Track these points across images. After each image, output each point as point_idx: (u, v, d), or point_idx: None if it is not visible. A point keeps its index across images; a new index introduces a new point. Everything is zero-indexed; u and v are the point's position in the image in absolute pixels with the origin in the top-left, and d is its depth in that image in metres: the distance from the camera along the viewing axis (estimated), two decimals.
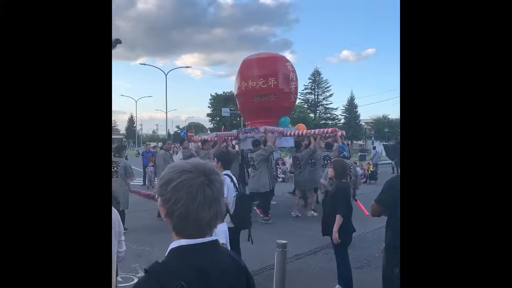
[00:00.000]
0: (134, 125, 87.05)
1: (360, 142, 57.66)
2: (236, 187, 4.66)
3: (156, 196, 1.20)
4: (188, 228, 1.15)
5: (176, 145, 14.70)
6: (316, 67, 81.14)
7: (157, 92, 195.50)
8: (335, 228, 4.44)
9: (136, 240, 6.63)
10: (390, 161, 21.92)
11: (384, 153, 24.06)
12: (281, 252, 3.78)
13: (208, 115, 63.46)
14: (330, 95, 60.45)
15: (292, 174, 12.05)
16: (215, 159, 5.12)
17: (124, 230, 3.03)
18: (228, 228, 4.24)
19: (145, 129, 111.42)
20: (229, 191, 4.50)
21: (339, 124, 54.96)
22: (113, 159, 7.35)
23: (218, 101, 58.54)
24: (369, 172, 17.42)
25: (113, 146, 7.98)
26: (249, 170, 10.37)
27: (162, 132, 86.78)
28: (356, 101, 60.88)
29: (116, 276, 2.98)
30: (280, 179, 15.55)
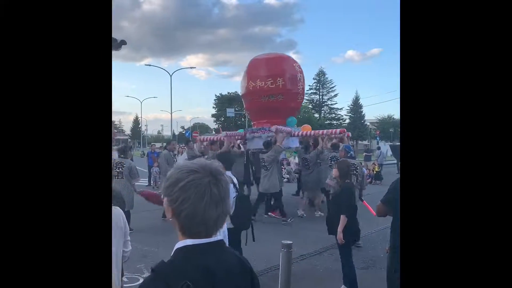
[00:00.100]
0: (139, 126, 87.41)
1: (365, 142, 57.49)
2: (236, 188, 4.67)
3: (162, 197, 1.21)
4: (196, 227, 1.16)
5: (181, 145, 14.75)
6: (321, 67, 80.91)
7: (162, 93, 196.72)
8: (340, 229, 4.44)
9: (141, 240, 6.64)
10: (394, 161, 21.85)
11: (389, 153, 23.97)
12: (286, 252, 3.78)
13: (213, 115, 63.60)
14: (335, 95, 60.39)
15: (297, 175, 12.04)
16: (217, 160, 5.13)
17: (129, 230, 3.04)
18: (228, 229, 4.25)
19: (150, 130, 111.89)
20: (229, 192, 4.50)
21: (344, 124, 54.81)
22: (118, 160, 7.39)
23: (223, 102, 58.61)
24: (374, 172, 17.36)
25: (119, 146, 8.01)
26: (253, 169, 10.43)
27: (167, 133, 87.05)
28: (361, 101, 60.93)
29: (122, 276, 2.99)
30: (285, 179, 15.55)
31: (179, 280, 1.07)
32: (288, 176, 16.13)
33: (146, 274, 5.06)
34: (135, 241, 5.71)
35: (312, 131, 10.03)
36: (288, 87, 9.93)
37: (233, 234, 4.44)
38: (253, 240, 4.65)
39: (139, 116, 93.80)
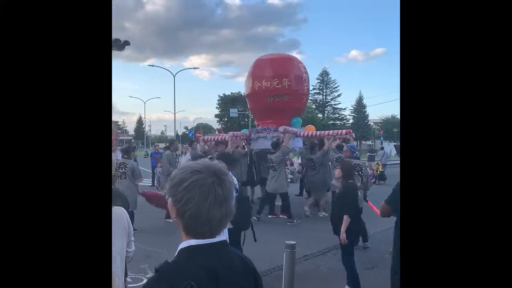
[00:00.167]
0: (143, 126, 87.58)
1: (369, 143, 57.43)
2: (236, 188, 4.68)
3: (166, 197, 1.21)
4: (200, 227, 1.16)
5: (184, 146, 14.76)
6: (324, 67, 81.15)
7: (165, 93, 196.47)
8: (343, 229, 4.45)
9: (145, 240, 6.65)
10: (398, 162, 21.73)
11: (392, 153, 23.90)
12: (289, 253, 3.78)
13: (216, 116, 63.69)
14: (339, 95, 60.30)
15: (299, 175, 12.03)
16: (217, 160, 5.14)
17: (133, 230, 3.04)
18: (227, 229, 4.25)
19: (154, 130, 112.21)
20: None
21: (348, 125, 54.72)
22: (121, 160, 7.42)
23: (226, 102, 58.67)
24: (378, 172, 17.31)
25: (122, 147, 8.04)
26: (256, 170, 10.43)
27: (170, 133, 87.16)
28: (365, 101, 60.67)
29: (126, 276, 2.99)
30: (289, 180, 15.53)
31: (183, 280, 1.07)
32: (291, 176, 16.12)
33: (150, 274, 5.07)
34: (139, 241, 5.72)
35: (318, 132, 10.04)
36: (294, 88, 9.97)
37: (233, 234, 4.45)
38: (255, 241, 4.65)
39: (143, 116, 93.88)
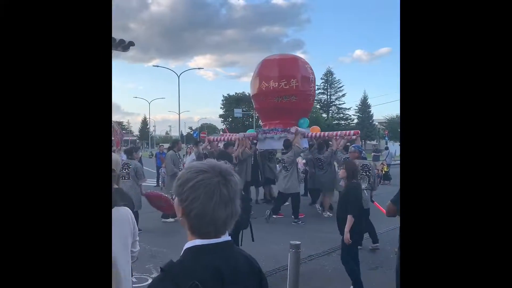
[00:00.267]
0: (148, 127, 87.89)
1: (374, 142, 57.21)
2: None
3: (173, 196, 1.22)
4: (205, 227, 1.16)
5: (189, 146, 14.78)
6: (329, 67, 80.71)
7: (170, 94, 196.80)
8: (346, 229, 4.43)
9: (149, 241, 6.67)
10: None
11: (397, 153, 23.79)
12: (294, 253, 3.78)
13: (220, 116, 63.75)
14: (343, 95, 60.13)
15: (304, 175, 12.01)
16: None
17: (138, 231, 3.05)
18: None
19: (158, 131, 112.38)
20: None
21: (352, 124, 54.57)
22: (125, 160, 7.46)
23: (230, 102, 58.72)
24: (383, 172, 17.25)
25: (126, 147, 8.08)
26: (260, 170, 10.43)
27: (175, 133, 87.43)
28: (369, 101, 60.44)
29: (131, 276, 3.00)
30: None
31: (188, 280, 1.07)
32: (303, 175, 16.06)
33: (155, 274, 5.08)
34: (144, 241, 5.73)
35: (326, 133, 10.03)
36: (301, 89, 10.00)
37: (232, 234, 4.45)
38: (252, 240, 4.65)
39: (147, 117, 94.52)
